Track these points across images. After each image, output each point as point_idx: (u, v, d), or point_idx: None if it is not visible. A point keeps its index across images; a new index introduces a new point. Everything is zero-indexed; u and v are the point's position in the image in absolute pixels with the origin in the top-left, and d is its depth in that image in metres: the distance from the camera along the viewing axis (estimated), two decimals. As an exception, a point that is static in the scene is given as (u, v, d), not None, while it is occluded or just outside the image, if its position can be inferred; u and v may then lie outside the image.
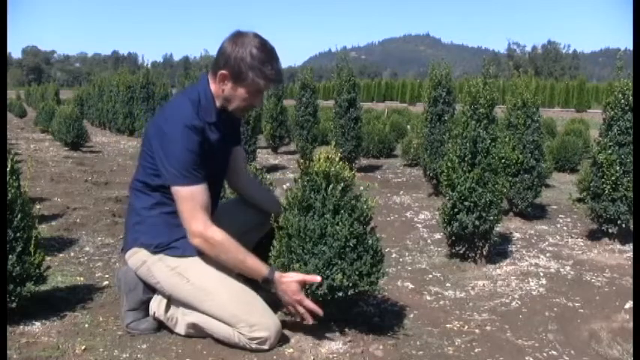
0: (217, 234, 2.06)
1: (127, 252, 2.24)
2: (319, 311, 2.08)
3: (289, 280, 2.06)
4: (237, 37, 2.13)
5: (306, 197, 2.10)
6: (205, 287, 2.11)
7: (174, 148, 2.05)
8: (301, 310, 2.09)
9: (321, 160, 2.11)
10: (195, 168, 2.06)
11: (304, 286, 2.07)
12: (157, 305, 2.22)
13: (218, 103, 2.18)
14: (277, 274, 2.08)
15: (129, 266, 2.24)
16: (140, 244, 2.18)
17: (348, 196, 2.11)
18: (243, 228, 2.32)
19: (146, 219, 2.19)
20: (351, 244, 2.07)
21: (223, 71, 2.12)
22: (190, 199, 2.05)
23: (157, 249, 2.16)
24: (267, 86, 2.18)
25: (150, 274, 2.18)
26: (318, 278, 2.05)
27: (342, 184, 2.09)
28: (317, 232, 2.07)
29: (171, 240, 2.16)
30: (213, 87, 2.17)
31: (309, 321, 2.11)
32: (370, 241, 2.12)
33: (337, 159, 2.13)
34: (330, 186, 2.09)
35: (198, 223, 2.05)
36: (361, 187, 2.21)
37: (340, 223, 2.06)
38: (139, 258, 2.19)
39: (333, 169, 2.10)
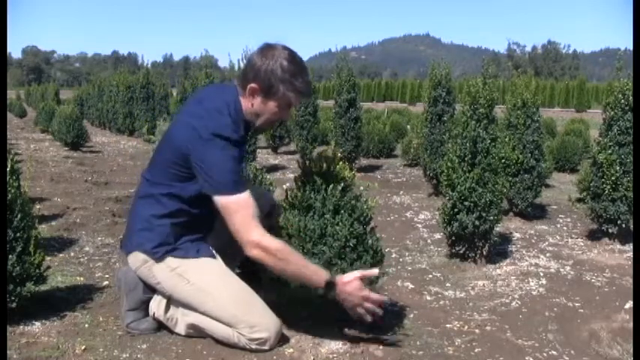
0: (275, 242, 1.99)
1: (128, 253, 2.24)
2: (380, 312, 2.07)
3: (352, 279, 2.02)
4: (266, 49, 2.09)
5: (306, 197, 2.10)
6: (205, 288, 2.10)
7: (219, 159, 1.99)
8: (362, 311, 2.04)
9: (321, 160, 2.11)
10: (240, 175, 2.03)
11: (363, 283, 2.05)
12: (156, 305, 2.22)
13: (246, 117, 2.15)
14: (338, 277, 2.02)
15: (129, 266, 2.24)
16: (144, 251, 2.16)
17: (348, 196, 2.11)
18: None
19: (155, 227, 2.15)
20: (351, 244, 2.07)
21: (253, 85, 2.08)
22: (243, 207, 1.98)
23: (161, 256, 2.14)
24: (298, 100, 2.14)
25: (150, 275, 2.17)
26: (375, 271, 2.05)
27: (342, 184, 2.10)
28: (317, 232, 2.07)
29: (176, 245, 2.15)
30: (242, 100, 2.13)
31: (368, 320, 2.07)
32: (370, 241, 2.13)
33: (337, 159, 2.13)
34: (331, 186, 2.09)
35: (255, 233, 1.97)
36: (361, 187, 2.21)
37: (340, 224, 2.06)
38: (140, 258, 2.18)
39: (332, 169, 2.10)
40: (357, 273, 2.03)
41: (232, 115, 2.08)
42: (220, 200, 2.00)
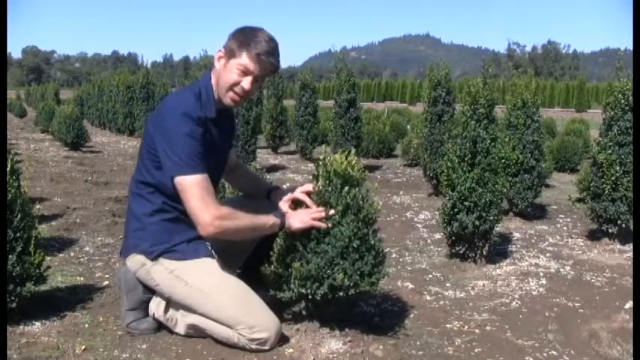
0: (225, 210, 2.06)
1: (126, 257, 2.24)
2: (323, 214, 2.10)
3: (288, 204, 2.20)
4: (243, 27, 2.18)
5: (322, 195, 2.10)
6: (204, 290, 2.10)
7: (176, 136, 2.02)
8: (315, 223, 2.09)
9: (340, 162, 2.11)
10: (198, 156, 2.03)
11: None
12: (155, 306, 2.22)
13: (217, 96, 2.18)
14: (278, 212, 2.17)
15: (128, 267, 2.24)
16: (140, 251, 2.17)
17: (357, 197, 2.11)
18: None
19: (147, 226, 2.17)
20: (354, 245, 2.06)
21: (220, 51, 2.15)
22: (199, 187, 2.01)
23: (157, 256, 2.15)
24: (257, 66, 2.10)
25: (149, 277, 2.17)
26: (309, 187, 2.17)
27: (357, 187, 2.10)
28: (322, 231, 2.07)
29: (171, 245, 2.15)
30: (213, 80, 2.18)
31: (324, 225, 2.09)
32: (373, 242, 2.12)
33: (354, 161, 2.14)
34: (346, 187, 2.09)
35: (212, 211, 2.00)
36: (367, 190, 2.21)
37: (345, 224, 2.06)
38: (138, 260, 2.18)
39: (352, 172, 2.10)
40: (289, 196, 2.21)
41: (203, 96, 2.14)
42: (177, 180, 2.03)
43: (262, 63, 2.11)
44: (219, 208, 2.04)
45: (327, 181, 2.11)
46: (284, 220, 2.12)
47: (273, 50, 2.13)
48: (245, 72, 2.11)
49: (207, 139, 2.11)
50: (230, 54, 2.12)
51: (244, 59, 2.09)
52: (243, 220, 2.08)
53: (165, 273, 2.14)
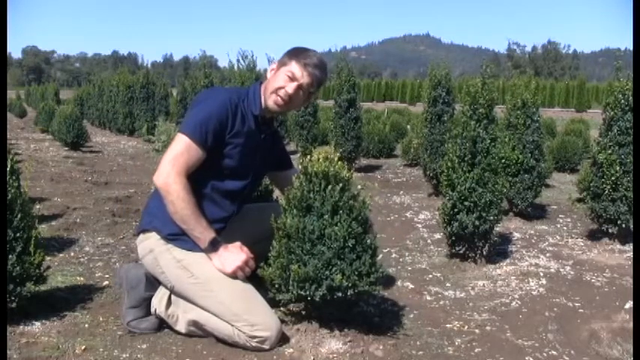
0: (182, 190, 2.08)
1: (139, 235, 2.26)
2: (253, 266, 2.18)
3: (232, 244, 2.17)
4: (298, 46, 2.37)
5: (305, 197, 2.10)
6: (208, 283, 2.11)
7: (202, 107, 2.19)
8: (248, 270, 2.16)
9: (320, 160, 2.10)
10: (209, 132, 2.13)
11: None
12: (158, 302, 2.23)
13: (263, 103, 2.30)
14: (218, 248, 2.15)
15: (131, 263, 2.25)
16: (154, 227, 2.19)
17: (346, 196, 2.10)
18: (259, 236, 2.31)
19: (164, 206, 2.16)
20: (349, 245, 2.06)
21: (274, 63, 2.34)
22: (185, 149, 2.11)
23: (169, 236, 2.16)
24: (303, 74, 2.25)
25: (156, 263, 2.19)
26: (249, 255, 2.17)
27: (340, 184, 2.09)
28: (316, 233, 2.06)
29: (184, 235, 2.15)
30: (262, 88, 2.33)
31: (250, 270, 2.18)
32: (369, 241, 2.12)
33: (336, 159, 2.13)
34: (329, 187, 2.08)
35: (173, 169, 2.08)
36: (359, 187, 2.21)
37: (339, 224, 2.06)
38: (147, 246, 2.20)
39: (332, 169, 2.09)
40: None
41: (250, 95, 2.29)
42: (177, 134, 2.18)
43: (308, 72, 2.26)
44: (181, 177, 2.09)
45: (309, 182, 2.11)
46: (215, 250, 2.13)
47: (320, 64, 2.29)
48: (292, 78, 2.26)
49: (238, 128, 2.22)
50: (281, 64, 2.30)
51: (293, 66, 2.26)
52: (187, 207, 2.08)
53: (172, 262, 2.15)
